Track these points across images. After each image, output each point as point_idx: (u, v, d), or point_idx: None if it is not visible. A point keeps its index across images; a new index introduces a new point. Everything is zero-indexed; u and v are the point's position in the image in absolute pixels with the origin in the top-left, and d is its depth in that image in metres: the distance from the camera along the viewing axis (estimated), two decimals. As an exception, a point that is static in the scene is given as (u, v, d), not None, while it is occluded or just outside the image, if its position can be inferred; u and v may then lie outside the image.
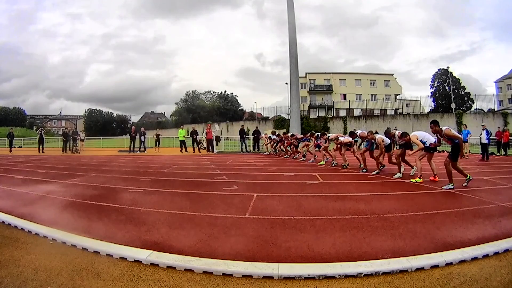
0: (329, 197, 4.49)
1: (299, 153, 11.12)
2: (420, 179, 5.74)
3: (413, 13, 79.99)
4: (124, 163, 10.16)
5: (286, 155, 11.96)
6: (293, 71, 19.58)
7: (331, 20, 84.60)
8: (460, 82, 40.00)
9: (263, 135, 15.80)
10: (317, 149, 9.92)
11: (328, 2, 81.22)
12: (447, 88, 38.70)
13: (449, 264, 2.19)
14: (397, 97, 41.78)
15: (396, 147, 7.54)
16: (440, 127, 5.37)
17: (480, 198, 4.28)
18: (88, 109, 62.72)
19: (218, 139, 18.42)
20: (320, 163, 9.11)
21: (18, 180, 6.21)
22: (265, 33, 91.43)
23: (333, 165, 8.50)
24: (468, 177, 5.22)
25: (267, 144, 14.19)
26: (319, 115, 39.30)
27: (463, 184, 5.15)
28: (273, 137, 13.65)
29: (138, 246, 2.47)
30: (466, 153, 12.64)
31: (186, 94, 57.17)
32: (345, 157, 8.20)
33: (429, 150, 6.03)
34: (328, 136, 9.35)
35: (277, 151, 13.24)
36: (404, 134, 6.36)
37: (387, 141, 7.05)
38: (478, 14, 74.50)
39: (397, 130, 7.60)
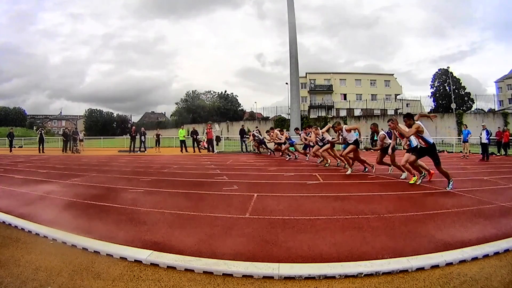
0: (329, 197, 4.49)
1: (291, 153, 10.91)
2: (415, 176, 5.60)
3: (413, 13, 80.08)
4: (124, 163, 10.16)
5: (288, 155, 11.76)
6: (293, 71, 19.59)
7: (332, 20, 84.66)
8: (460, 82, 39.96)
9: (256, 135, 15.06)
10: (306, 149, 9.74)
11: (329, 2, 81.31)
12: (447, 88, 38.69)
13: (449, 264, 2.19)
14: (397, 97, 41.78)
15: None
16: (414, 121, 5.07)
17: (480, 198, 4.28)
18: (88, 109, 62.77)
19: (218, 139, 18.42)
20: (326, 165, 8.53)
21: (19, 180, 6.21)
22: (266, 33, 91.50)
23: (337, 165, 8.42)
24: (423, 174, 5.23)
25: (253, 143, 13.92)
26: (319, 115, 39.30)
27: (417, 183, 5.14)
28: (257, 135, 13.47)
29: (138, 246, 2.47)
30: (466, 153, 12.67)
31: (186, 94, 57.24)
32: (325, 154, 8.07)
33: (414, 151, 5.76)
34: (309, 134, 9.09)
35: (260, 150, 13.16)
36: (392, 120, 5.72)
37: (353, 137, 6.92)
38: (478, 14, 74.57)
39: (382, 130, 7.29)
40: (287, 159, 10.54)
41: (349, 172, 6.77)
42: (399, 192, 4.90)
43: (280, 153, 11.72)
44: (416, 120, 5.11)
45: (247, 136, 16.08)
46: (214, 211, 3.60)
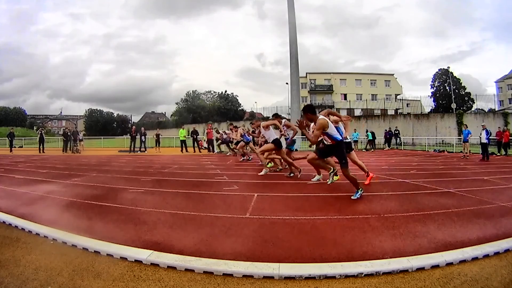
0: (329, 197, 4.49)
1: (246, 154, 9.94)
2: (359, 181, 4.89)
3: (414, 13, 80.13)
4: (124, 163, 10.17)
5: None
6: (293, 71, 19.62)
7: (332, 21, 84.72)
8: (460, 82, 39.94)
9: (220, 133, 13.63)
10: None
11: (329, 3, 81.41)
12: (447, 88, 38.67)
13: (449, 264, 2.19)
14: (398, 97, 41.77)
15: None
16: (317, 115, 4.30)
17: (480, 198, 4.28)
18: (88, 109, 62.73)
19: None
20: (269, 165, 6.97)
21: (19, 180, 6.21)
22: (266, 33, 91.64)
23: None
24: (359, 190, 4.24)
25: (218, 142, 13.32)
26: (320, 115, 39.27)
27: (328, 181, 4.61)
28: (221, 132, 12.94)
29: (138, 246, 2.47)
30: (466, 153, 12.66)
31: (186, 94, 57.18)
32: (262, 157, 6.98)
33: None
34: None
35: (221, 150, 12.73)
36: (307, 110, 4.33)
37: (272, 136, 6.31)
38: (478, 14, 74.47)
39: (283, 119, 6.88)
40: (241, 160, 9.75)
41: (315, 179, 5.77)
42: (399, 192, 4.90)
43: (234, 153, 11.06)
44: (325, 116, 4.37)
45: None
46: (214, 211, 3.59)
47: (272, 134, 6.45)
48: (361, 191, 4.23)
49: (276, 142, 6.29)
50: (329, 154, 4.57)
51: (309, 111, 4.23)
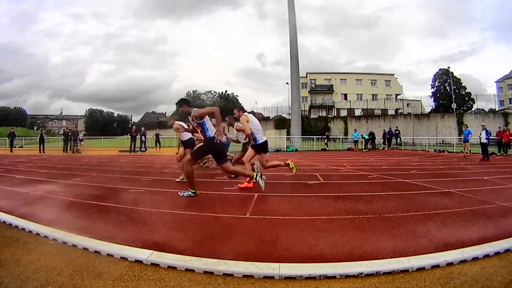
0: (329, 197, 4.49)
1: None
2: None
3: (414, 13, 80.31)
4: (125, 163, 10.17)
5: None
6: (294, 71, 19.63)
7: (332, 21, 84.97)
8: (460, 82, 39.97)
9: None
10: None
11: (329, 3, 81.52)
12: (447, 88, 38.70)
13: (450, 264, 2.18)
14: (398, 97, 41.80)
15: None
16: (192, 108, 4.08)
17: (481, 198, 4.27)
18: (89, 109, 62.92)
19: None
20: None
21: (19, 180, 6.22)
22: (266, 33, 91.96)
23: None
24: (193, 192, 4.17)
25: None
26: (320, 115, 39.33)
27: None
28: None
29: (138, 246, 2.47)
30: (467, 153, 12.66)
31: (187, 94, 57.27)
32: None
33: (261, 149, 4.92)
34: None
35: None
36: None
37: (186, 136, 5.76)
38: (478, 15, 74.63)
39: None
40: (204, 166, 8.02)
41: (179, 179, 5.74)
42: (399, 192, 4.90)
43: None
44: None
45: None
46: (215, 211, 3.60)
47: (186, 134, 5.80)
48: (193, 193, 4.21)
49: (187, 142, 5.75)
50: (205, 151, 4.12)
51: (185, 103, 4.12)
